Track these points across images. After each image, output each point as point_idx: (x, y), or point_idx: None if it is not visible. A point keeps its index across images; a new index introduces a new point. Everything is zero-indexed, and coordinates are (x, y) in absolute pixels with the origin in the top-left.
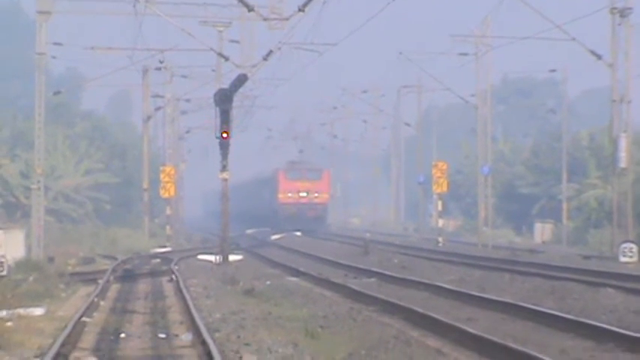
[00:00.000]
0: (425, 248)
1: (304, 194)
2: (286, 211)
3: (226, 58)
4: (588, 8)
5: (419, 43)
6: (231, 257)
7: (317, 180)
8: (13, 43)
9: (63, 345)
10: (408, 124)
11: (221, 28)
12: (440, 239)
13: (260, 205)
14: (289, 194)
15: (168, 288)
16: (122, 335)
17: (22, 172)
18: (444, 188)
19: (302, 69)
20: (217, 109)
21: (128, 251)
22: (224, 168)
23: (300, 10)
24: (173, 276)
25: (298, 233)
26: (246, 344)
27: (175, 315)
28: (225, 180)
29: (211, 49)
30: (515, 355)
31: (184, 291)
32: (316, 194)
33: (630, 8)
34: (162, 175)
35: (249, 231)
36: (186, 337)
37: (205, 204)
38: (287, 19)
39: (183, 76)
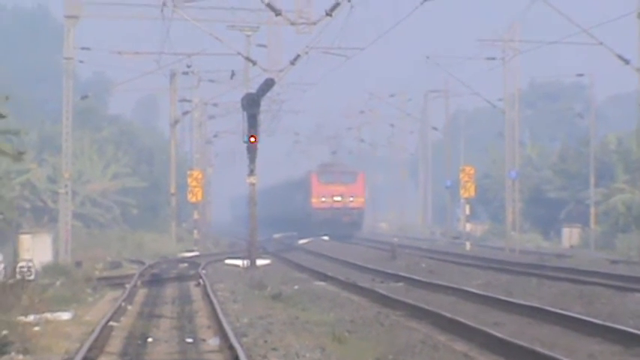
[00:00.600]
0: (452, 252)
1: (338, 198)
2: (320, 216)
3: (254, 63)
4: (616, 12)
5: (446, 47)
6: (259, 262)
7: (352, 183)
8: (40, 47)
9: (90, 349)
10: (435, 129)
11: (249, 33)
12: (467, 243)
13: (291, 209)
14: (323, 199)
15: (196, 292)
16: (149, 340)
17: (49, 176)
18: (472, 193)
19: (329, 73)
20: (245, 113)
21: (155, 255)
22: (251, 172)
23: (327, 14)
24: (200, 280)
25: (326, 238)
26: (274, 349)
27: (203, 319)
28: (253, 184)
29: (239, 54)
30: (543, 359)
31: (212, 295)
32: (351, 198)
33: None
34: (189, 180)
35: (276, 235)
36: (213, 341)
37: (233, 208)
38: (314, 23)
39: (211, 81)
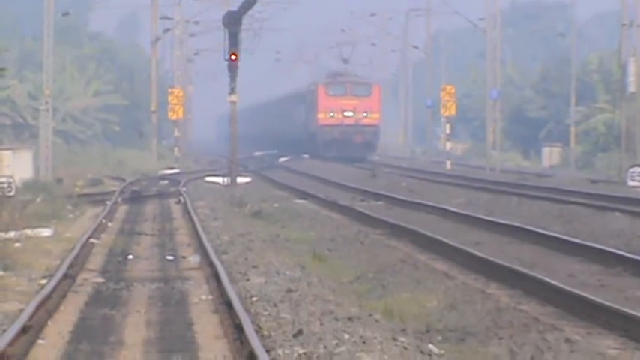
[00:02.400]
0: (433, 172)
1: (350, 114)
2: (327, 135)
3: None
4: None
5: None
6: (239, 180)
7: (366, 96)
8: None
9: (70, 266)
10: (416, 48)
11: None
12: (448, 162)
13: (291, 127)
14: (331, 114)
15: (176, 210)
16: (130, 257)
17: (30, 93)
18: (453, 112)
19: None
20: (226, 31)
21: (136, 173)
22: (232, 90)
23: None
24: (181, 198)
25: (306, 156)
26: (254, 266)
27: (183, 237)
28: (234, 102)
29: None
30: (523, 278)
31: (192, 213)
32: (365, 114)
33: None
34: (170, 98)
35: (257, 153)
36: (193, 258)
37: (218, 128)
38: None
39: None
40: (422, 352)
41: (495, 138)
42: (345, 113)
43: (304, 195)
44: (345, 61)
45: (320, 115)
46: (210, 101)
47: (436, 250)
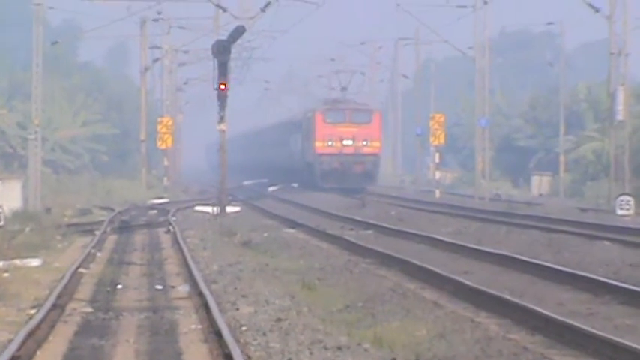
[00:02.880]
0: (422, 200)
1: (349, 143)
2: (326, 164)
3: (224, 10)
4: None
5: None
6: (229, 209)
7: (366, 124)
8: None
9: (59, 296)
10: (405, 77)
11: None
12: (437, 191)
13: (287, 156)
14: (329, 142)
15: (166, 239)
16: (119, 286)
17: (19, 123)
18: (442, 140)
19: (300, 21)
20: (215, 60)
21: (125, 202)
22: (221, 120)
23: None
24: (170, 227)
25: (295, 185)
26: (243, 296)
27: (172, 266)
28: (223, 132)
29: (209, 1)
30: (512, 307)
31: (181, 242)
32: (365, 142)
33: None
34: (159, 127)
35: (246, 182)
36: (183, 288)
37: (208, 156)
38: None
39: (182, 28)
40: None
41: (484, 167)
42: (344, 142)
43: (293, 224)
44: (344, 88)
45: (318, 144)
46: (199, 130)
47: (425, 279)
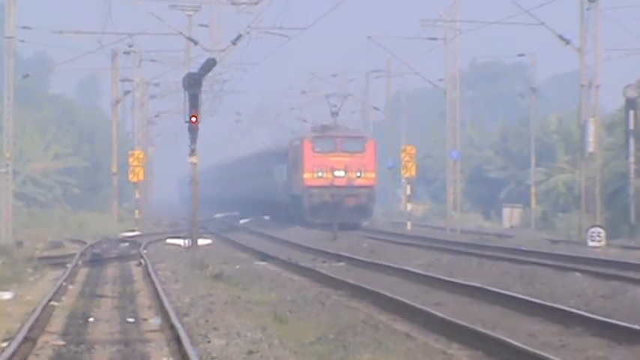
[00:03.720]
0: (394, 232)
1: (341, 173)
2: (315, 197)
3: (195, 42)
4: None
5: (388, 27)
6: (200, 241)
7: (359, 153)
8: None
9: (31, 329)
10: (377, 109)
11: (190, 12)
12: (408, 223)
13: (270, 188)
14: (319, 173)
15: (137, 272)
16: (91, 319)
17: None
18: (413, 172)
19: (271, 53)
20: (186, 93)
21: (97, 235)
22: (193, 152)
23: None
24: (142, 260)
25: (267, 217)
26: (215, 328)
27: (144, 299)
28: (194, 164)
29: (180, 33)
30: (484, 338)
31: (153, 275)
32: (358, 173)
33: None
34: (130, 159)
35: (218, 215)
36: (154, 321)
37: (180, 189)
38: (256, 3)
39: (153, 60)
40: None
41: (456, 198)
42: (336, 172)
43: (265, 256)
44: (334, 114)
45: (306, 175)
46: (172, 163)
47: (397, 311)
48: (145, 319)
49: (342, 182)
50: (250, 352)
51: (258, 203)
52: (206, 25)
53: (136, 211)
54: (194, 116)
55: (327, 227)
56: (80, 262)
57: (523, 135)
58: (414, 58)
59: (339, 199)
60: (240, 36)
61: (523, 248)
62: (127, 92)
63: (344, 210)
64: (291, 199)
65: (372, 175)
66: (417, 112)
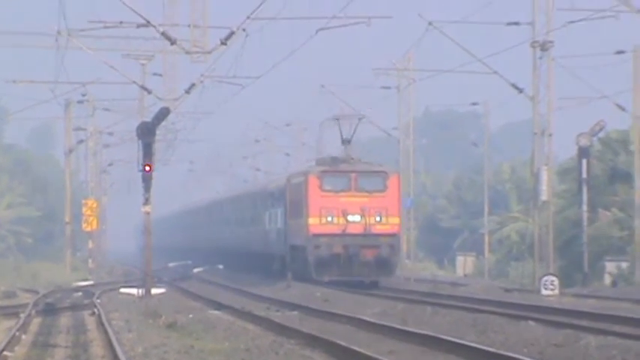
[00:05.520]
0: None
1: (357, 218)
2: (323, 249)
3: (149, 91)
4: (510, 42)
5: (341, 76)
6: (154, 291)
7: (380, 192)
8: None
9: None
10: None
11: (144, 61)
12: None
13: (257, 238)
14: (328, 218)
15: (90, 321)
16: None
17: None
18: None
19: (224, 102)
20: (140, 142)
21: (50, 285)
22: (147, 201)
23: (222, 43)
24: (95, 309)
25: (220, 266)
26: None
27: (97, 349)
28: (148, 213)
29: (134, 82)
30: None
31: (106, 324)
32: (378, 218)
33: (551, 42)
34: (84, 209)
35: (171, 264)
36: None
37: (137, 238)
38: (209, 52)
39: (106, 109)
40: None
41: (410, 247)
42: (350, 217)
43: (219, 305)
44: (346, 141)
45: (312, 221)
46: (129, 211)
47: None
48: None
49: (358, 229)
50: None
51: (241, 256)
52: (160, 74)
53: (90, 261)
54: (148, 165)
55: (339, 285)
56: (33, 311)
57: (476, 183)
58: (367, 106)
59: (353, 251)
60: (193, 85)
61: (477, 297)
62: (80, 141)
63: (360, 265)
64: (289, 250)
65: (396, 220)
66: (371, 160)
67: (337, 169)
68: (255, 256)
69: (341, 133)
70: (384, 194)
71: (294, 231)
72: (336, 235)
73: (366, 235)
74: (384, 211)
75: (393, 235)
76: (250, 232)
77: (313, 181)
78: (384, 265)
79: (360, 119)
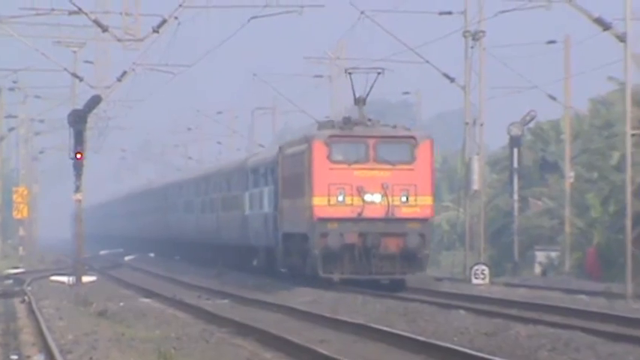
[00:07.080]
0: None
1: (376, 198)
2: (332, 238)
3: (81, 79)
4: (442, 31)
5: (274, 65)
6: (85, 278)
7: (407, 164)
8: None
9: None
10: (262, 146)
11: (75, 49)
12: None
13: (233, 226)
14: (339, 198)
15: (21, 309)
16: None
17: None
18: None
19: (156, 90)
20: (71, 129)
21: None
22: (78, 189)
23: (154, 31)
24: (25, 297)
25: (152, 254)
26: None
27: (28, 336)
28: (79, 201)
29: (65, 70)
30: None
31: (37, 312)
32: (405, 198)
33: (483, 31)
34: (15, 196)
35: (103, 252)
36: (38, 358)
37: (72, 226)
38: (141, 40)
39: (37, 97)
40: None
41: None
42: (368, 197)
43: (150, 293)
44: (361, 100)
45: (316, 201)
46: (63, 200)
47: (282, 349)
48: (28, 357)
49: (378, 212)
50: None
51: (206, 248)
52: (91, 62)
53: (20, 248)
54: (79, 153)
55: (352, 286)
56: None
57: None
58: (300, 95)
59: (372, 241)
60: (125, 73)
61: (407, 285)
62: (11, 129)
63: (380, 258)
64: (281, 241)
65: (428, 200)
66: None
67: (351, 134)
68: (228, 249)
69: (353, 90)
70: (413, 167)
71: (290, 215)
72: (349, 219)
73: (388, 220)
74: (413, 189)
75: (423, 221)
76: (220, 218)
77: (319, 149)
78: (412, 258)
79: (379, 73)
